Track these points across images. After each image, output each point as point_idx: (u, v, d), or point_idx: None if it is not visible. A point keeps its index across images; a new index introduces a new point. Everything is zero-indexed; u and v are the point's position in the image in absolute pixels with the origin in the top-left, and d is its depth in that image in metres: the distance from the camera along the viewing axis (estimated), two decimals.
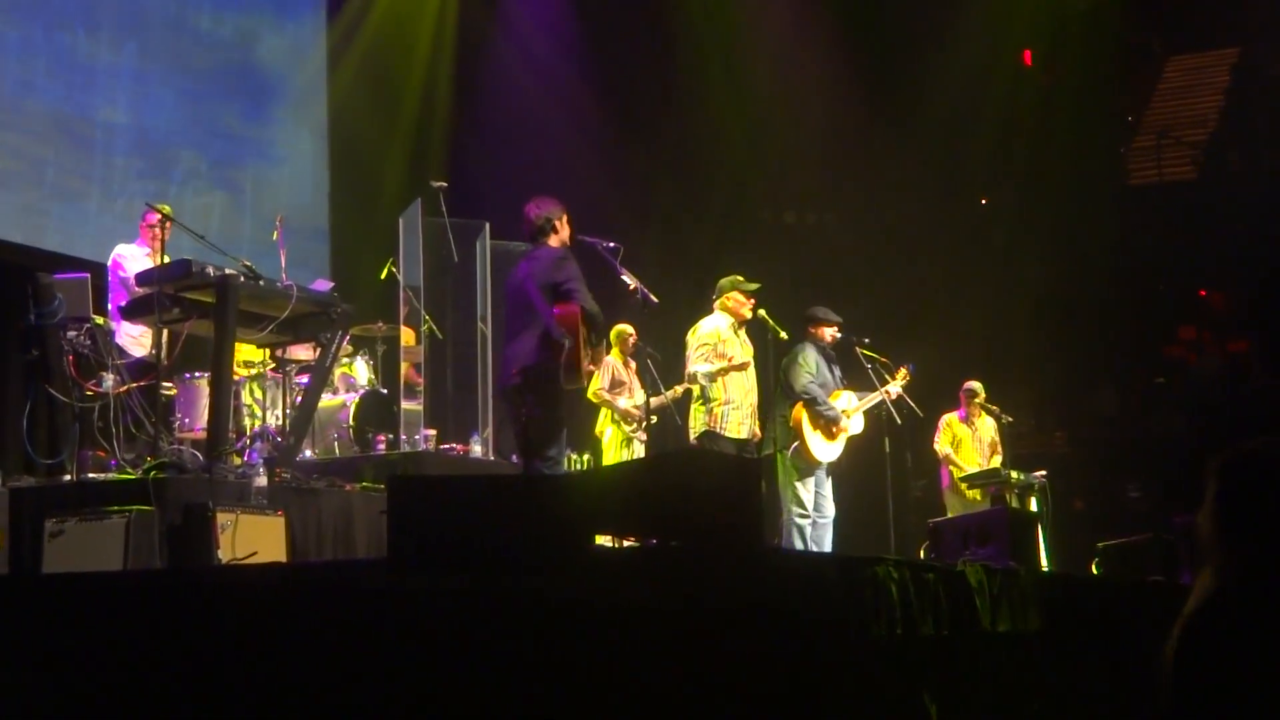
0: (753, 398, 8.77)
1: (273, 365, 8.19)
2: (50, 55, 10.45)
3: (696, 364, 8.69)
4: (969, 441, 11.25)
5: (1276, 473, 2.84)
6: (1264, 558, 2.76)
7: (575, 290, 6.95)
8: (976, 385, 11.33)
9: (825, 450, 9.02)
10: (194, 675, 3.85)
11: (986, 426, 11.36)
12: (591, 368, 7.31)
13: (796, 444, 8.95)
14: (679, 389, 9.83)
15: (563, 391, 7.06)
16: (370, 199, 12.51)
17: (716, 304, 8.91)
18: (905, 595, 4.49)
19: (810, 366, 9.06)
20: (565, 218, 7.32)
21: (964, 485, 10.98)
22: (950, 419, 11.32)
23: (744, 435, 8.68)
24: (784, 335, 9.04)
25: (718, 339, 8.74)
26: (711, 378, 8.63)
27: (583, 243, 7.55)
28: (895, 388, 9.52)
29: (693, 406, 8.86)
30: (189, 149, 11.46)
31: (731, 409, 8.65)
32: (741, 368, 8.68)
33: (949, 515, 9.89)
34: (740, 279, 8.89)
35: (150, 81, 11.21)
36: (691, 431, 8.78)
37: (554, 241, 7.23)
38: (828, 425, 9.02)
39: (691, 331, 8.88)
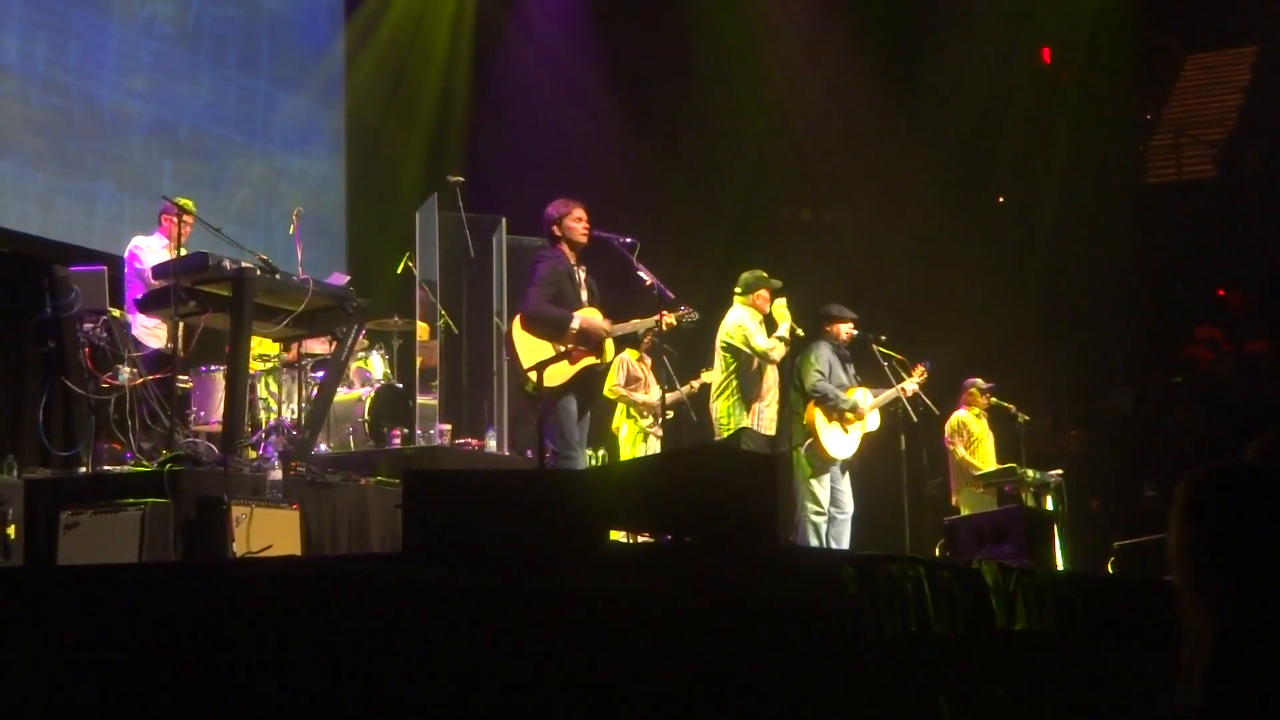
0: (776, 394, 8.78)
1: (288, 359, 8.20)
2: (68, 40, 10.47)
3: (775, 349, 8.61)
4: (987, 440, 11.19)
5: (1252, 495, 2.73)
6: (1268, 584, 2.65)
7: (528, 291, 7.27)
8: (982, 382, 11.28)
9: (839, 447, 8.99)
10: (208, 668, 3.85)
11: (986, 424, 11.34)
12: (535, 380, 7.10)
13: (810, 441, 8.92)
14: (695, 384, 9.81)
15: (559, 388, 7.12)
16: (387, 193, 12.51)
17: (744, 299, 8.84)
18: (920, 593, 4.48)
19: (821, 365, 9.02)
20: (574, 215, 7.40)
21: (975, 485, 10.92)
22: (964, 417, 11.23)
23: (775, 432, 8.75)
24: (800, 332, 9.01)
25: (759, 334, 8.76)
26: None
27: (599, 238, 7.55)
28: (911, 385, 9.45)
29: (724, 404, 8.73)
30: (204, 142, 11.47)
31: (765, 406, 8.68)
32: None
33: (963, 514, 9.87)
34: (764, 275, 8.86)
35: (164, 77, 11.23)
36: (725, 428, 8.68)
37: (560, 243, 7.43)
38: (843, 415, 8.99)
39: (740, 330, 8.70)
